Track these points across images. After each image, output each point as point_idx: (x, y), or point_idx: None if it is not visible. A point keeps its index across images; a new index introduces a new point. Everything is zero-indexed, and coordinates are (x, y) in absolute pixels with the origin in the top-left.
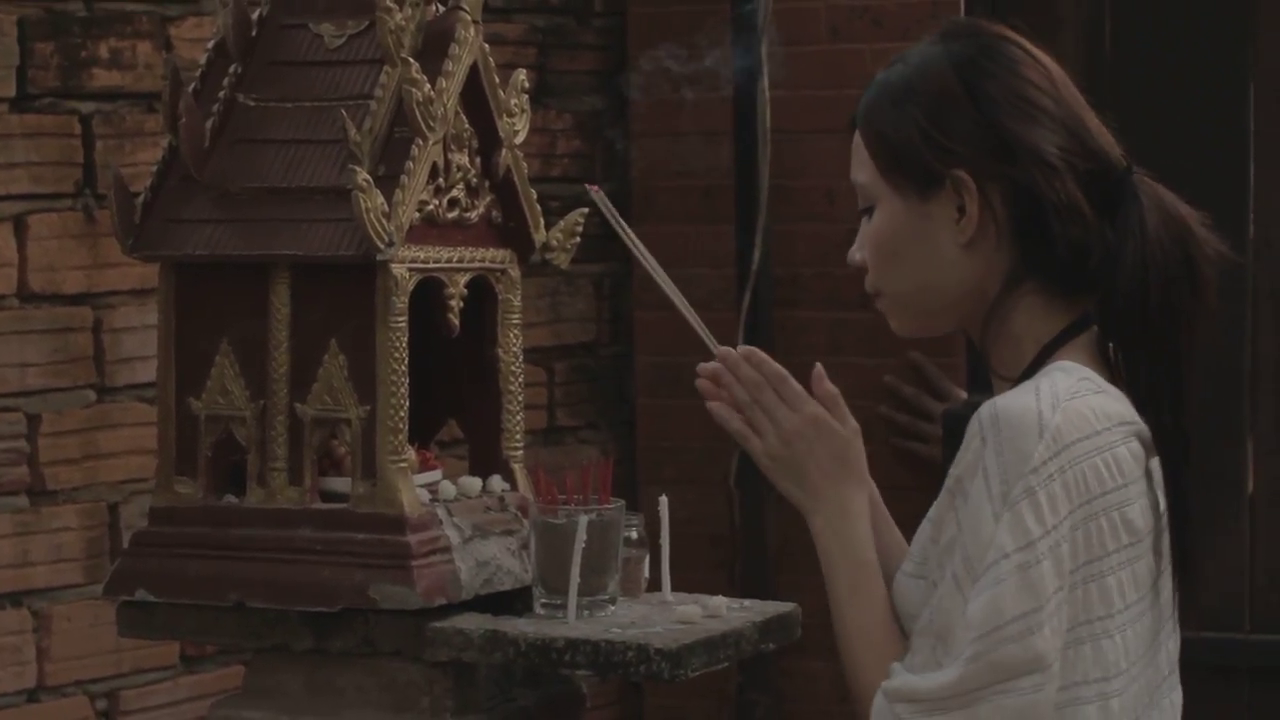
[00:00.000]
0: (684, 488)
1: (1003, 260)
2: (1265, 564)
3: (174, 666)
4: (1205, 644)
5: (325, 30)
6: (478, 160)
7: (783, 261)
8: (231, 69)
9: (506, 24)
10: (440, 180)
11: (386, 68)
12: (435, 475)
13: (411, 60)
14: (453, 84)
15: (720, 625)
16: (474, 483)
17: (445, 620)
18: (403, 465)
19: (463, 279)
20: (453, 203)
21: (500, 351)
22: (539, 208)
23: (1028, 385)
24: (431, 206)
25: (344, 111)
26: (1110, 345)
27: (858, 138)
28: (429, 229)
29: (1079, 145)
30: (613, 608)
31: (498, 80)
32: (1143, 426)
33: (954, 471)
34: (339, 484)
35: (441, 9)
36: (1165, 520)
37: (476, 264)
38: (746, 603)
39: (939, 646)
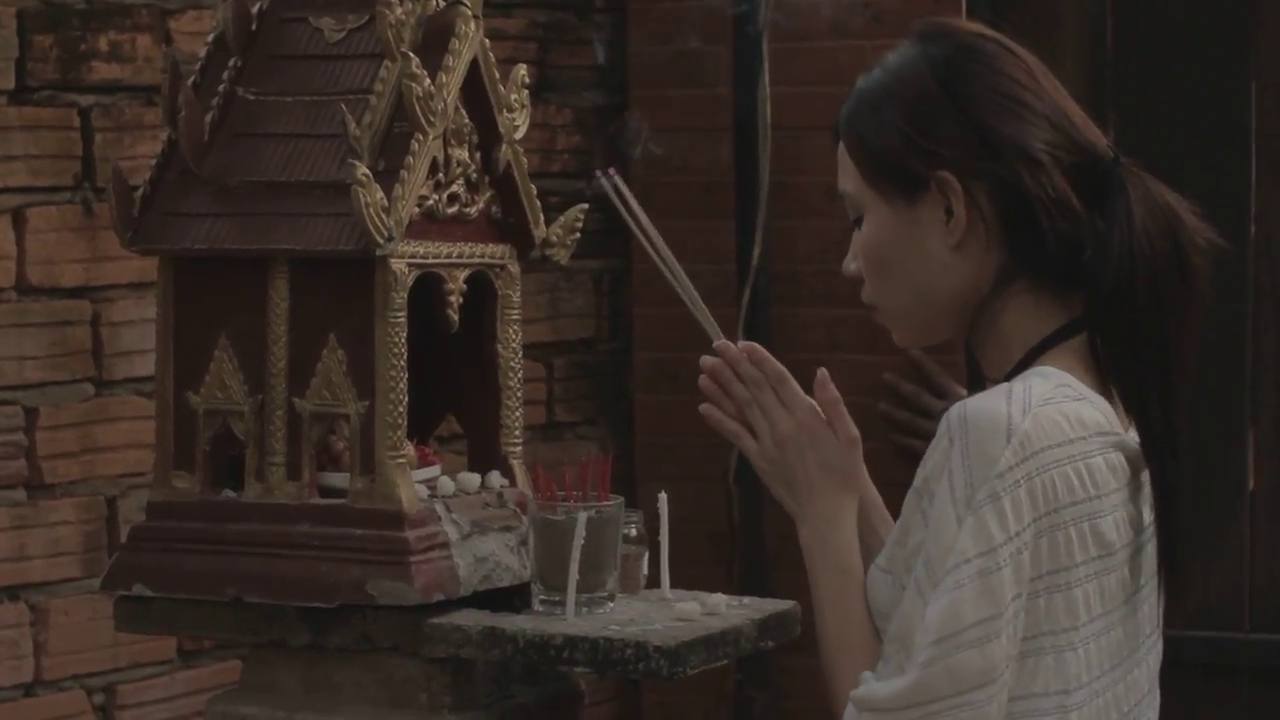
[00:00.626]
0: (682, 484)
1: (993, 259)
2: (1265, 563)
3: (171, 661)
4: (1204, 643)
5: (325, 24)
6: (478, 155)
7: (782, 258)
8: (231, 63)
9: (507, 19)
10: (440, 175)
11: (386, 62)
12: (434, 471)
13: (411, 55)
14: (453, 79)
15: (719, 623)
16: (473, 479)
17: (443, 616)
18: (401, 461)
19: (462, 274)
20: (452, 198)
21: (499, 347)
22: (539, 203)
23: (1001, 388)
24: (431, 202)
25: (344, 106)
26: (1098, 341)
27: (842, 147)
28: (429, 224)
29: (1064, 138)
30: (611, 605)
31: (498, 75)
32: (1128, 437)
33: (921, 472)
34: (337, 479)
35: (442, 4)
36: (1150, 533)
37: (476, 259)
38: (746, 600)
39: (903, 652)
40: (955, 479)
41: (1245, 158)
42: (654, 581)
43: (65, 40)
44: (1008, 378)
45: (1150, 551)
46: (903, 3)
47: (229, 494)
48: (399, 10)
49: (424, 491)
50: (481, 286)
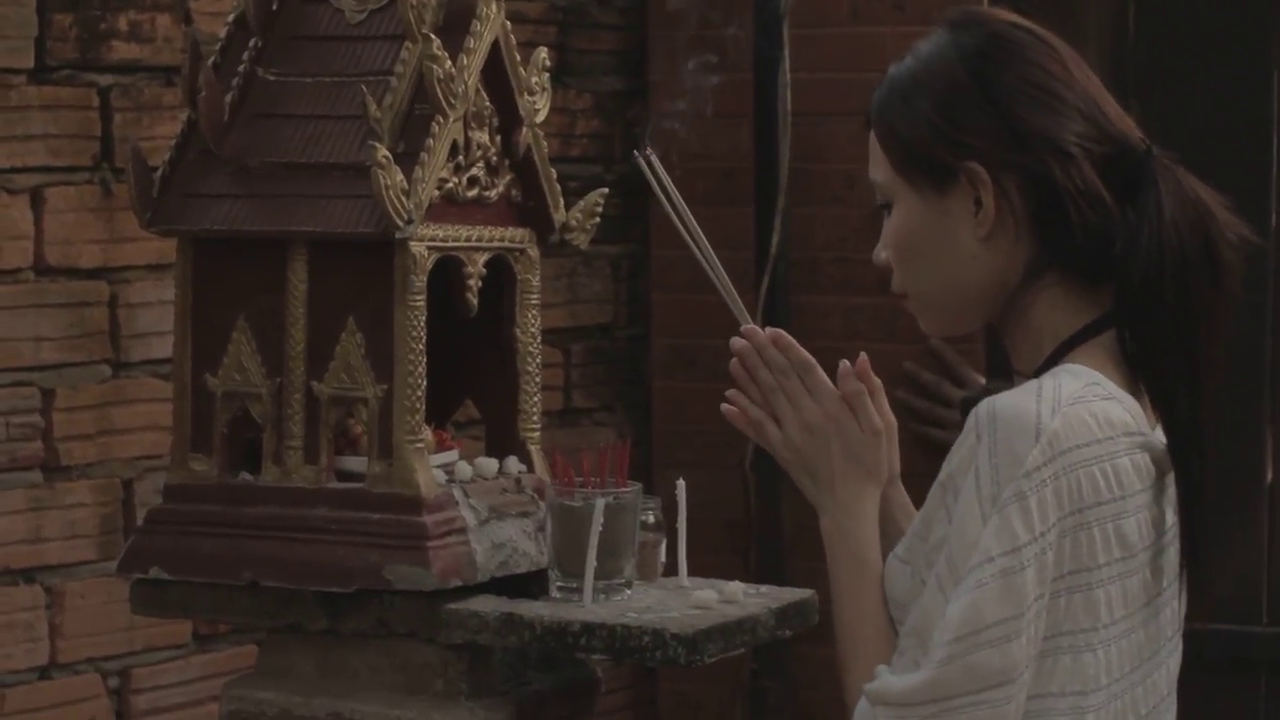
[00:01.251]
0: (699, 471)
1: (1023, 251)
2: None
3: (187, 645)
4: (1221, 637)
5: (346, 5)
6: (498, 139)
7: (801, 245)
8: (251, 43)
9: (527, 2)
10: (460, 158)
11: (407, 44)
12: (452, 456)
13: (433, 36)
14: (474, 61)
15: (737, 611)
16: (490, 464)
17: (460, 602)
18: (419, 445)
19: (481, 258)
20: (472, 181)
21: (518, 332)
22: (559, 187)
23: (1030, 385)
24: (451, 184)
25: (364, 87)
26: (1127, 337)
27: (873, 135)
28: (448, 207)
29: (1096, 130)
30: (629, 591)
31: (519, 58)
32: (1154, 437)
33: (947, 466)
34: (355, 463)
35: None
36: (1172, 535)
37: (495, 243)
38: (763, 588)
39: (919, 647)
40: (981, 476)
41: (1267, 146)
42: (671, 569)
43: (85, 19)
44: (1037, 373)
45: (1172, 553)
46: None
47: (246, 477)
48: None
49: (442, 476)
50: (500, 271)
